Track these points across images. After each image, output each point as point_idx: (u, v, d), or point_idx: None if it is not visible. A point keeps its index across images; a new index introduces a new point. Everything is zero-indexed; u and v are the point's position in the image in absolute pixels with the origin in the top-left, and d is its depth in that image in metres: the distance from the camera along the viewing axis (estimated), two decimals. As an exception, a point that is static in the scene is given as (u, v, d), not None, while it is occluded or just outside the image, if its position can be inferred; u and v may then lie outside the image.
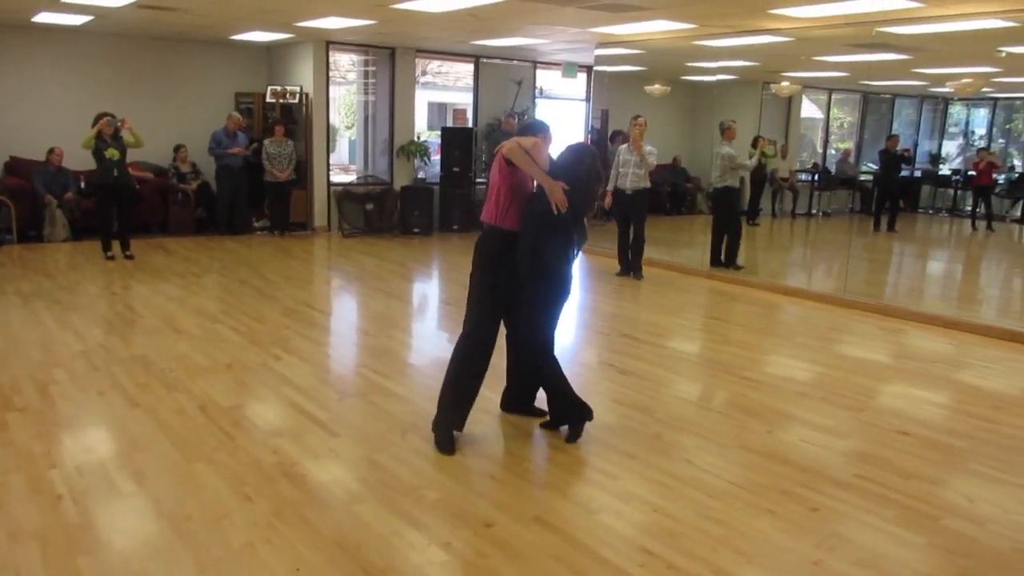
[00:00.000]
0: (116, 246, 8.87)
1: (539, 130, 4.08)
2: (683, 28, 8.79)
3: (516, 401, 4.49)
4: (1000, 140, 16.47)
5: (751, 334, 6.80)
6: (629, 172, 8.69)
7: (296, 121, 11.32)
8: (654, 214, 13.45)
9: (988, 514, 3.52)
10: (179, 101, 11.33)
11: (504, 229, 3.98)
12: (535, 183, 3.99)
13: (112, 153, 8.49)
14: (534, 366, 4.23)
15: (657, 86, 12.30)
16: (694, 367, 5.86)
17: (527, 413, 4.47)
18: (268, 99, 11.37)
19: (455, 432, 4.08)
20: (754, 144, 11.59)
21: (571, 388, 4.21)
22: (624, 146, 8.93)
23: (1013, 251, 13.26)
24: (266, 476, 3.64)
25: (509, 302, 4.08)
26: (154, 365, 5.20)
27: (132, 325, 6.26)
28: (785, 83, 12.62)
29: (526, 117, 11.50)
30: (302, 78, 11.36)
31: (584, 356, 5.96)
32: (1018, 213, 14.72)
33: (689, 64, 12.21)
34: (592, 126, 13.16)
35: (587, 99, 13.57)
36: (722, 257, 9.33)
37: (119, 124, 8.55)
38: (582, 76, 13.30)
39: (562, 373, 4.20)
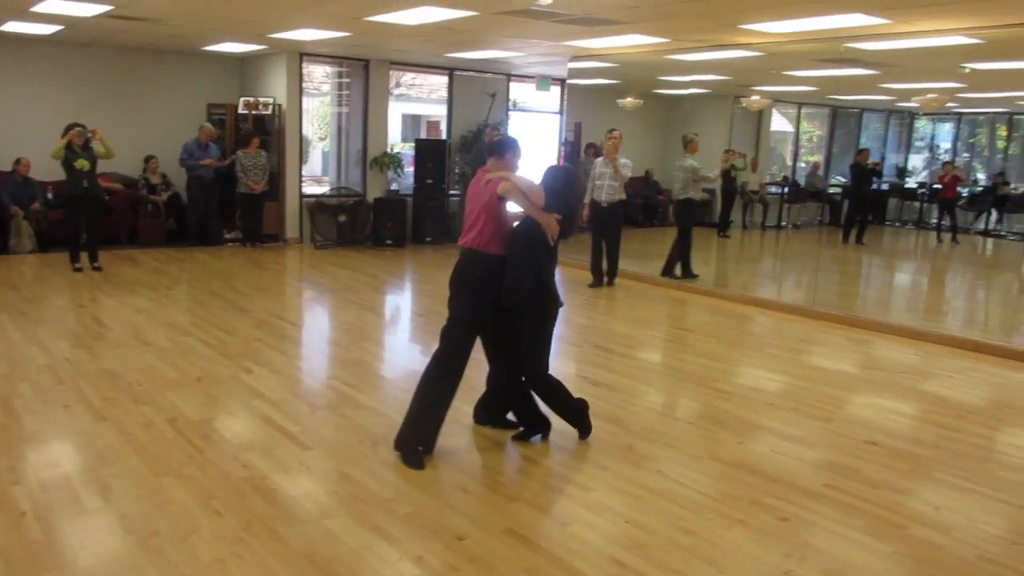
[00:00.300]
0: (84, 258, 8.75)
1: (509, 147, 4.10)
2: (656, 42, 8.88)
3: (489, 413, 4.48)
4: (964, 154, 16.80)
5: (722, 345, 6.86)
6: (605, 185, 8.76)
7: (269, 132, 11.27)
8: (627, 226, 13.57)
9: (953, 522, 3.58)
10: (150, 112, 11.23)
11: (490, 254, 4.00)
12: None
13: (82, 164, 8.38)
14: (509, 381, 4.25)
15: (630, 99, 12.41)
16: (666, 378, 5.90)
17: (499, 425, 4.47)
18: (241, 110, 11.31)
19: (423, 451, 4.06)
20: (725, 158, 11.74)
21: (569, 394, 4.33)
22: (599, 159, 9.01)
23: (977, 263, 13.51)
24: (236, 490, 3.60)
25: (487, 325, 4.11)
26: (122, 378, 5.13)
27: (100, 338, 6.17)
28: (756, 97, 12.79)
29: (488, 131, 11.50)
30: (275, 89, 11.32)
31: (557, 368, 5.92)
32: (982, 226, 15.01)
33: (662, 78, 12.34)
34: (565, 139, 13.23)
35: (560, 112, 13.65)
36: (674, 269, 9.46)
37: (90, 135, 8.46)
38: (556, 89, 13.38)
39: (558, 382, 4.29)
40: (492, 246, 4.01)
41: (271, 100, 11.25)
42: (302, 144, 11.60)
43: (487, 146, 4.28)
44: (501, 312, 4.08)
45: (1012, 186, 14.48)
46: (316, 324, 7.46)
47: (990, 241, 14.80)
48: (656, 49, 9.34)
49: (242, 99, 11.39)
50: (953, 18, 6.71)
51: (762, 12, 6.84)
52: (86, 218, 8.72)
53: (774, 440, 4.54)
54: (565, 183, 4.09)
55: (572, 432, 4.41)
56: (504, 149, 4.10)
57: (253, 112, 11.22)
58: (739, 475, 4.00)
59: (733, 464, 4.14)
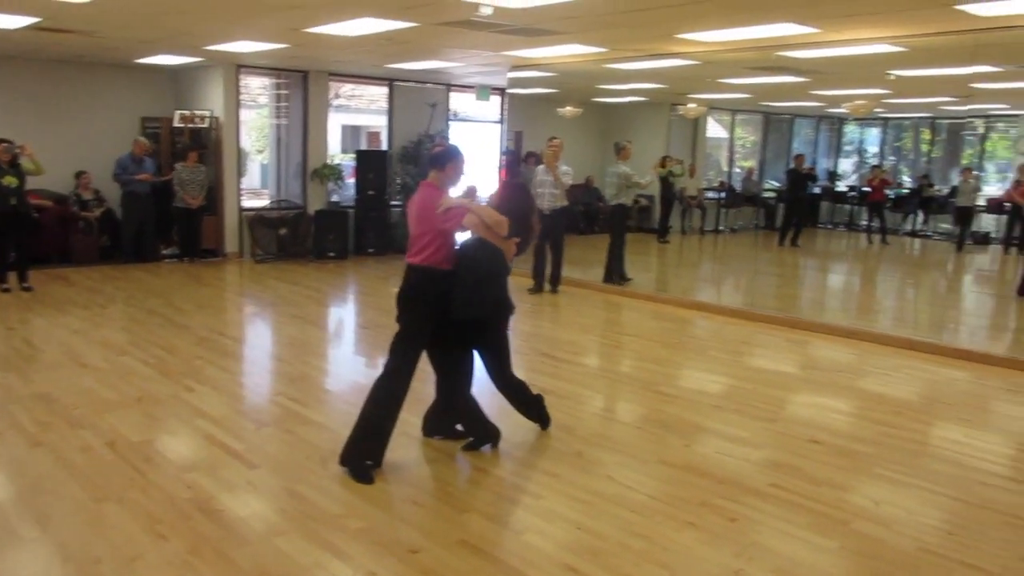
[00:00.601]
0: (13, 278, 8.44)
1: (450, 158, 4.06)
2: (594, 52, 8.99)
3: (438, 425, 4.47)
4: (891, 158, 17.41)
5: (666, 349, 6.96)
6: (546, 192, 8.82)
7: (206, 146, 11.04)
8: (569, 233, 13.67)
9: (894, 516, 3.69)
10: (81, 126, 10.90)
11: (440, 270, 4.00)
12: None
13: (9, 181, 8.09)
14: (458, 392, 4.25)
15: (569, 108, 12.53)
16: (612, 384, 5.96)
17: (449, 436, 4.45)
18: (176, 124, 11.06)
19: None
20: (662, 164, 11.95)
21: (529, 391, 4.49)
22: (540, 167, 9.09)
23: (906, 263, 13.98)
24: (181, 513, 3.52)
25: (436, 339, 4.11)
26: (57, 402, 4.96)
27: (31, 361, 5.96)
28: (692, 105, 13.04)
29: (438, 141, 11.47)
30: (212, 102, 11.11)
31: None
32: (909, 227, 15.55)
33: (600, 86, 12.49)
34: (506, 147, 13.28)
35: (501, 121, 13.70)
36: (612, 273, 9.61)
37: (17, 150, 8.17)
38: (496, 99, 13.43)
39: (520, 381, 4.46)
40: (442, 264, 4.02)
41: (208, 113, 11.03)
42: (240, 157, 11.41)
43: (428, 157, 4.28)
44: (450, 324, 4.09)
45: (936, 188, 15.04)
46: (259, 340, 7.33)
47: (917, 242, 15.34)
48: (594, 58, 9.46)
49: (177, 112, 11.15)
50: (878, 27, 6.96)
51: (697, 22, 6.99)
52: (14, 237, 8.40)
53: (720, 442, 4.62)
54: (523, 205, 4.23)
55: (522, 441, 4.44)
56: (444, 161, 4.07)
57: (189, 125, 10.99)
58: (687, 477, 4.06)
59: (681, 467, 4.20)
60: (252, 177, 17.38)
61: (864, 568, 3.22)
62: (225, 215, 11.15)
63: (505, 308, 4.29)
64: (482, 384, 4.42)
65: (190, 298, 8.46)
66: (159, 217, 10.67)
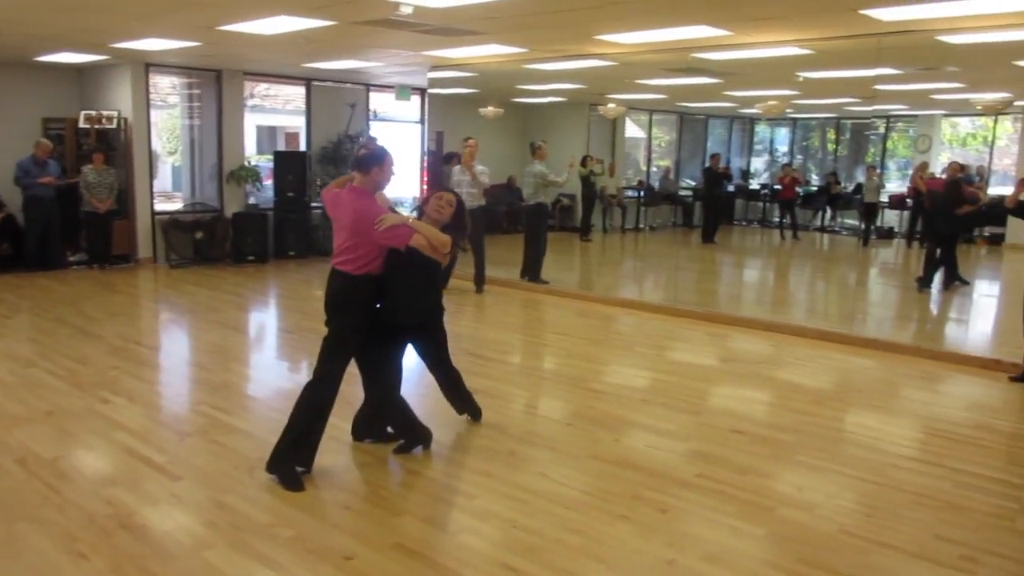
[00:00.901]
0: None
1: (375, 162, 3.95)
2: (514, 52, 9.04)
3: (368, 428, 4.42)
4: (799, 156, 18.09)
5: (592, 346, 7.05)
6: (463, 192, 8.79)
7: (115, 148, 10.62)
8: (492, 233, 13.70)
9: (815, 501, 3.84)
10: (-24, 127, 10.35)
11: (368, 276, 3.93)
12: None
13: None
14: (387, 394, 4.22)
15: (491, 108, 12.56)
16: (541, 381, 6.00)
17: (380, 439, 4.41)
18: (82, 124, 10.60)
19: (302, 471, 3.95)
20: (583, 163, 12.10)
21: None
22: (457, 167, 9.08)
23: (816, 257, 14.54)
24: (101, 530, 3.37)
25: (365, 343, 4.06)
26: (-40, 418, 4.70)
27: (-70, 375, 5.63)
28: (612, 105, 13.25)
29: (362, 142, 11.31)
30: (119, 102, 10.69)
31: (431, 378, 5.94)
32: (818, 223, 16.17)
33: (521, 87, 12.56)
34: (428, 148, 13.23)
35: (422, 121, 13.63)
36: (528, 271, 9.69)
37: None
38: (416, 99, 13.35)
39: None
40: (371, 270, 3.94)
41: (115, 113, 10.61)
42: (151, 159, 11.02)
43: (354, 160, 4.20)
44: (384, 328, 4.06)
45: (842, 186, 15.70)
46: (177, 347, 7.10)
47: (826, 237, 15.98)
48: (514, 58, 9.51)
49: (83, 112, 10.68)
50: (788, 31, 7.22)
51: (615, 24, 7.10)
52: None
53: (648, 435, 4.71)
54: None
55: (454, 441, 4.45)
56: (369, 165, 3.94)
57: (96, 126, 10.55)
58: (618, 472, 4.12)
59: (612, 461, 4.26)
60: (163, 179, 16.81)
61: (789, 552, 3.34)
62: (137, 219, 10.75)
63: (441, 307, 4.39)
64: (412, 385, 4.39)
65: (102, 306, 8.12)
66: (65, 222, 10.20)
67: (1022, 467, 4.37)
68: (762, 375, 6.20)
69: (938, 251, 9.49)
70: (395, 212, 4.10)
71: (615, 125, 15.26)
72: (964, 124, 16.98)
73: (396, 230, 3.84)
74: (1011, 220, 11.66)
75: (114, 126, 10.60)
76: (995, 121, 15.23)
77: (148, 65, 10.54)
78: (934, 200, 9.57)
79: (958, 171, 9.83)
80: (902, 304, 9.45)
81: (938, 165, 14.46)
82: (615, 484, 3.96)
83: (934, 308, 9.19)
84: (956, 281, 9.68)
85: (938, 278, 9.56)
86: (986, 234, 13.71)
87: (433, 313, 4.36)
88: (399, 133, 13.68)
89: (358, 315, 3.98)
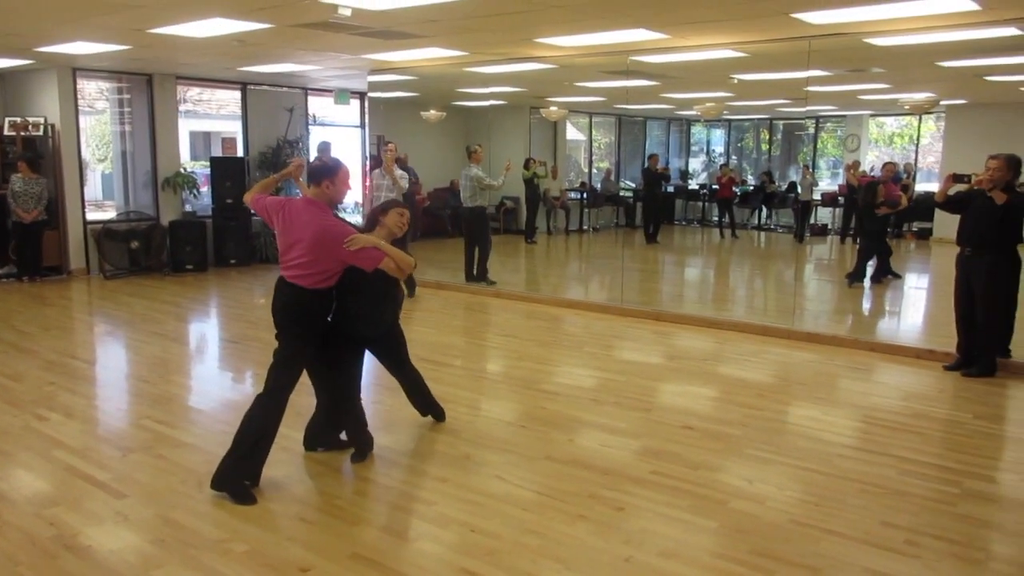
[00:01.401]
0: None
1: (325, 175, 3.87)
2: (454, 55, 9.03)
3: (320, 438, 4.35)
4: (734, 157, 18.50)
5: (541, 348, 7.08)
6: (382, 196, 8.74)
7: (42, 155, 10.25)
8: (437, 237, 13.68)
9: (766, 493, 3.92)
10: None
11: (319, 290, 3.86)
12: None
13: None
14: (341, 402, 4.18)
15: (433, 112, 12.52)
16: (493, 385, 6.00)
17: (332, 448, 4.35)
18: (7, 132, 10.20)
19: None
20: (526, 166, 12.16)
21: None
22: (377, 171, 9.00)
23: (754, 255, 14.87)
24: (43, 552, 3.25)
25: (316, 353, 4.03)
26: None
27: None
28: (554, 108, 13.34)
29: (320, 147, 11.09)
30: (45, 108, 10.33)
31: (384, 384, 5.89)
32: (756, 221, 16.56)
33: (462, 90, 12.56)
34: (369, 152, 13.11)
35: (362, 125, 13.51)
36: (474, 272, 9.77)
37: None
38: (356, 103, 13.23)
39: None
40: (326, 285, 3.88)
41: (42, 120, 10.25)
42: (82, 167, 10.68)
43: (309, 172, 4.11)
44: (340, 338, 4.04)
45: (777, 184, 16.11)
46: (116, 361, 6.88)
47: (763, 235, 16.36)
48: (454, 62, 9.50)
49: (7, 119, 10.28)
50: (722, 34, 7.38)
51: (554, 27, 7.16)
52: None
53: (601, 434, 4.75)
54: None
55: (408, 447, 4.44)
56: (319, 177, 3.87)
57: (22, 133, 10.17)
58: (573, 472, 4.15)
59: (567, 462, 4.28)
60: (93, 188, 16.29)
61: (743, 543, 3.40)
62: (68, 229, 10.40)
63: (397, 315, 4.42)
64: (364, 392, 4.34)
65: (33, 320, 7.84)
66: (-8, 233, 9.83)
67: (960, 453, 4.53)
68: (708, 371, 6.31)
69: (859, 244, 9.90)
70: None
71: (556, 128, 15.37)
72: (890, 123, 17.60)
73: (366, 252, 3.79)
74: (938, 215, 12.14)
75: (41, 133, 10.25)
76: (920, 120, 15.82)
77: (75, 70, 10.21)
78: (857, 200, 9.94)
79: (892, 172, 10.18)
80: (838, 298, 9.72)
81: (866, 164, 14.94)
82: (571, 484, 3.98)
83: (868, 302, 9.49)
84: (889, 275, 10.02)
85: (870, 272, 9.89)
86: (915, 229, 14.23)
87: (393, 325, 4.38)
88: (340, 138, 13.53)
89: (308, 327, 3.91)
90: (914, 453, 4.48)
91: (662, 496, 3.85)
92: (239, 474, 3.82)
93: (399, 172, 8.76)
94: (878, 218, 9.54)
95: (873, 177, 10.83)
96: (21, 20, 6.91)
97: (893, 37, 7.07)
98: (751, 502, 3.81)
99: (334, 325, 4.06)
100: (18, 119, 10.23)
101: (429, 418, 4.87)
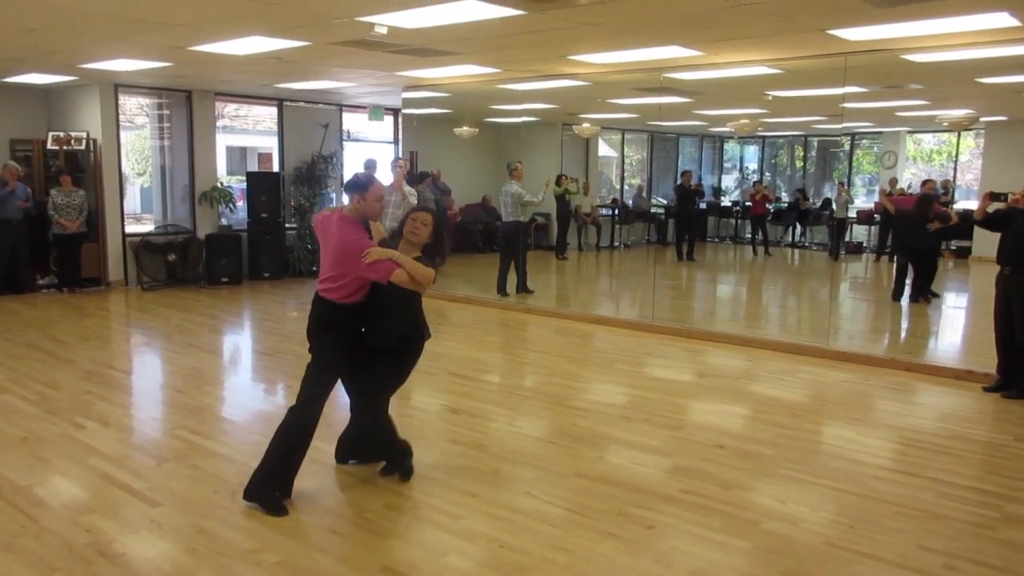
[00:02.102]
0: None
1: (353, 188, 3.94)
2: (488, 72, 9.10)
3: (353, 450, 4.37)
4: (768, 174, 18.36)
5: (572, 364, 7.06)
6: (390, 212, 8.78)
7: (83, 169, 10.50)
8: (468, 252, 13.74)
9: (799, 514, 3.86)
10: (-59, 150, 10.18)
11: (352, 304, 3.92)
12: None
13: None
14: (374, 416, 4.18)
15: (465, 128, 12.61)
16: (523, 400, 5.99)
17: (364, 461, 4.37)
18: (50, 146, 10.46)
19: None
20: (558, 182, 12.18)
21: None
22: (386, 186, 9.06)
23: (788, 272, 14.72)
24: (80, 558, 3.30)
25: (348, 366, 4.04)
26: (-71, 447, 4.58)
27: None
28: (586, 124, 13.36)
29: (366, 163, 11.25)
30: (88, 123, 10.58)
31: (415, 398, 5.92)
32: (789, 238, 16.41)
33: (494, 106, 12.63)
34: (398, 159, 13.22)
35: (395, 141, 13.64)
36: (510, 285, 9.97)
37: None
38: (389, 119, 13.36)
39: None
40: (355, 300, 3.92)
41: (84, 134, 10.49)
42: (121, 181, 10.90)
43: (345, 186, 4.18)
44: (363, 350, 4.04)
45: (811, 201, 15.96)
46: (152, 371, 6.99)
47: (797, 252, 16.20)
48: (487, 79, 9.57)
49: (51, 133, 10.55)
50: (757, 51, 7.35)
51: (588, 44, 7.19)
52: None
53: (631, 451, 4.72)
54: (438, 237, 4.08)
55: (438, 461, 4.43)
56: (350, 191, 3.96)
57: (64, 148, 10.42)
58: (603, 489, 4.12)
59: (596, 479, 4.26)
60: (132, 201, 16.64)
61: (776, 565, 3.35)
62: (108, 242, 10.62)
63: (418, 336, 4.15)
64: (396, 405, 4.34)
65: (73, 330, 7.99)
66: (34, 245, 10.06)
67: (1000, 476, 4.43)
68: (740, 390, 6.25)
69: (910, 266, 9.67)
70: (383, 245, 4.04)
71: (588, 144, 15.38)
72: (928, 140, 17.36)
73: (379, 264, 3.79)
74: (977, 233, 11.93)
75: (83, 147, 10.48)
76: (958, 137, 15.59)
77: (117, 86, 10.45)
78: (905, 216, 9.71)
79: (932, 190, 10.02)
80: (874, 317, 9.58)
81: (904, 181, 14.75)
82: (600, 501, 3.96)
83: (906, 321, 9.33)
84: (928, 294, 9.82)
85: (907, 291, 9.73)
86: (953, 247, 13.99)
87: (403, 341, 4.07)
88: (373, 153, 13.67)
89: (338, 341, 3.95)
90: (952, 476, 4.39)
91: (693, 515, 3.81)
92: (271, 485, 3.86)
93: (407, 188, 8.85)
94: (929, 234, 9.35)
95: (912, 195, 10.68)
96: (67, 38, 7.09)
97: (931, 53, 6.99)
98: (784, 523, 3.76)
99: (362, 338, 4.07)
100: (61, 133, 10.49)
101: (457, 434, 4.86)
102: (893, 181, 12.81)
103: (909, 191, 12.69)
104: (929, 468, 4.49)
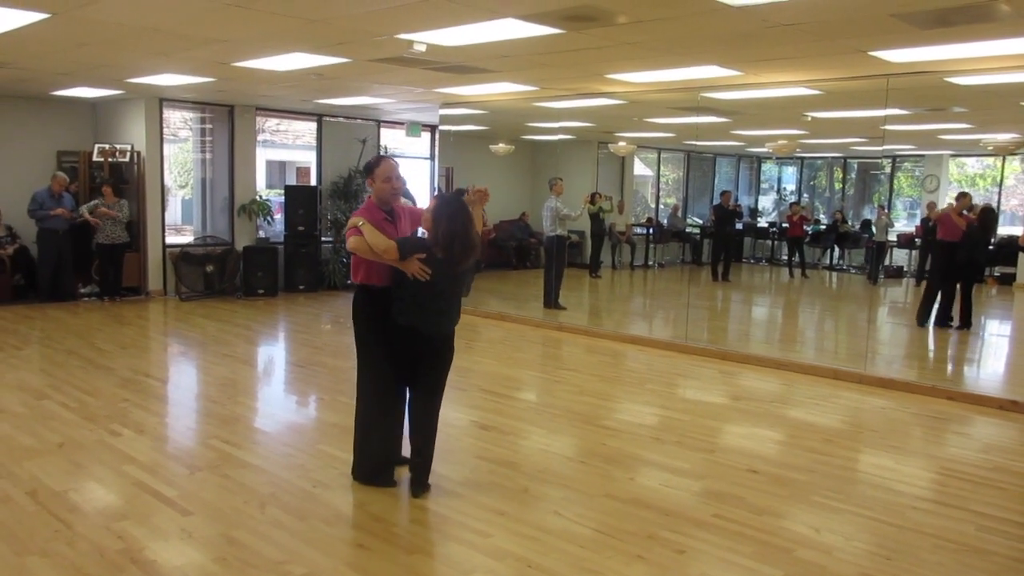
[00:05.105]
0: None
1: (368, 169, 4.22)
2: (525, 90, 9.13)
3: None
4: (805, 195, 18.15)
5: (604, 383, 7.01)
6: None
7: (127, 181, 10.72)
8: (501, 269, 13.75)
9: (833, 543, 3.78)
10: (-8, 160, 10.47)
11: (376, 286, 4.15)
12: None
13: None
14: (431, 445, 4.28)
15: (502, 145, 12.67)
16: (554, 419, 5.95)
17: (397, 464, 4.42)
18: (95, 158, 10.71)
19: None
20: (592, 200, 12.20)
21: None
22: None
23: (825, 295, 14.50)
24: (111, 565, 3.34)
25: (386, 348, 4.20)
26: (-30, 450, 4.67)
27: (-60, 406, 5.62)
28: (622, 143, 13.35)
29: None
30: (133, 135, 10.82)
31: (444, 414, 5.90)
32: (827, 261, 16.19)
33: (531, 124, 12.68)
34: (436, 187, 13.32)
35: (432, 158, 13.74)
36: (558, 299, 10.27)
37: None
38: (426, 135, 13.47)
39: None
40: (374, 281, 4.13)
41: (129, 147, 10.72)
42: (163, 192, 11.11)
43: (364, 167, 4.44)
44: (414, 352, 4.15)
45: (849, 224, 15.73)
46: (187, 380, 7.08)
47: (835, 275, 15.97)
48: (524, 96, 9.61)
49: (96, 146, 10.80)
50: (796, 71, 7.28)
51: (626, 63, 7.18)
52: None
53: (662, 474, 4.66)
54: (441, 213, 4.02)
55: (467, 478, 4.41)
56: (365, 172, 4.27)
57: (109, 160, 10.66)
58: (633, 511, 4.07)
59: (627, 500, 4.21)
60: (172, 212, 16.97)
61: (809, 595, 3.28)
62: (148, 252, 10.82)
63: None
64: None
65: (112, 338, 8.13)
66: (77, 255, 10.28)
67: (1043, 510, 4.30)
68: (775, 413, 6.15)
69: (958, 288, 9.36)
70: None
71: (624, 163, 15.37)
72: (972, 164, 17.04)
73: (347, 233, 4.03)
74: (1022, 259, 11.64)
75: (127, 159, 10.71)
76: (1003, 161, 15.28)
77: (162, 100, 10.68)
78: (971, 233, 9.24)
79: (968, 203, 9.69)
80: (914, 343, 9.39)
81: (943, 205, 14.46)
82: (630, 523, 3.91)
83: (948, 348, 9.13)
84: (951, 320, 9.46)
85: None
86: (996, 274, 13.67)
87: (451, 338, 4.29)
88: (410, 169, 13.80)
89: (366, 324, 4.18)
90: (994, 509, 4.26)
91: (724, 541, 3.74)
92: (366, 467, 4.25)
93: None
94: (986, 251, 9.03)
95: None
96: (116, 52, 7.26)
97: (975, 76, 6.88)
98: (818, 552, 3.67)
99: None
100: (107, 145, 10.73)
101: (486, 451, 4.84)
102: (931, 205, 12.56)
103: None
104: (970, 500, 4.37)
